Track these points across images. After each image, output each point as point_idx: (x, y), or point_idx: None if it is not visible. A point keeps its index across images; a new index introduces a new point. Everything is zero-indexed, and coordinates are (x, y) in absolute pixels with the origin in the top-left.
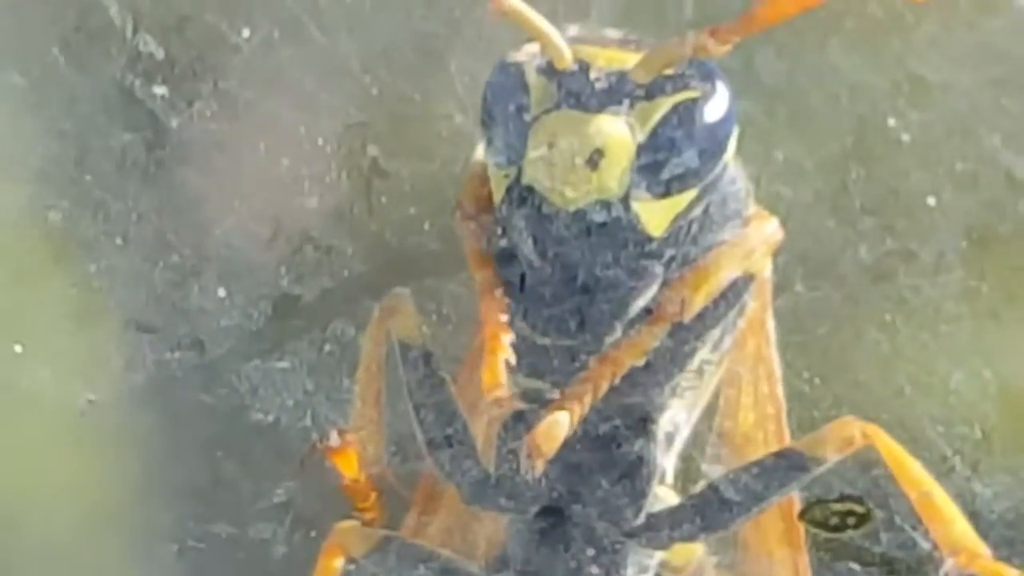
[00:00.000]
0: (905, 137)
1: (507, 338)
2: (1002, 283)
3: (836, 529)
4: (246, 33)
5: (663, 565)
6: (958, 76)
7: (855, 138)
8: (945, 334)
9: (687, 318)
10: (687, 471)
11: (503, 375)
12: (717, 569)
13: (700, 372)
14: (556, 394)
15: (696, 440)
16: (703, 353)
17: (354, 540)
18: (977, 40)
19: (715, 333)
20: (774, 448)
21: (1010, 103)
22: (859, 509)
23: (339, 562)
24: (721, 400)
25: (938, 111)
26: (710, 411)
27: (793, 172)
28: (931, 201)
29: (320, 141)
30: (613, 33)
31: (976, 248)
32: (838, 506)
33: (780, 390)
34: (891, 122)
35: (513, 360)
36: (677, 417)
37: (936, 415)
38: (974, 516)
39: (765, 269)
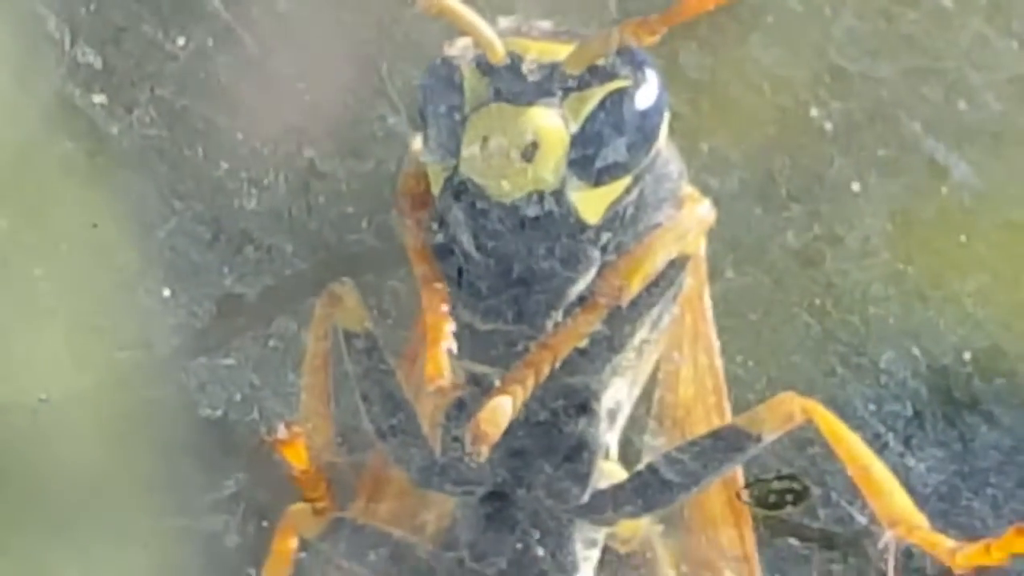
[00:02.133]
0: (827, 126)
1: (449, 327)
2: (927, 264)
3: (775, 507)
4: (181, 41)
5: (610, 536)
6: (877, 66)
7: (779, 128)
8: (874, 316)
9: (624, 302)
10: (630, 443)
11: (446, 365)
12: (663, 537)
13: (640, 351)
14: (500, 378)
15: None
16: (642, 333)
17: (307, 522)
18: (895, 31)
19: (653, 314)
20: (715, 420)
21: (929, 91)
22: (796, 487)
23: (293, 543)
24: (661, 374)
25: (859, 100)
26: (650, 384)
27: (719, 163)
28: (855, 187)
29: (257, 144)
30: (543, 25)
31: (901, 231)
32: (776, 484)
33: (719, 363)
34: (813, 112)
35: (455, 348)
36: (619, 394)
37: (868, 394)
38: (908, 490)
39: (699, 248)
